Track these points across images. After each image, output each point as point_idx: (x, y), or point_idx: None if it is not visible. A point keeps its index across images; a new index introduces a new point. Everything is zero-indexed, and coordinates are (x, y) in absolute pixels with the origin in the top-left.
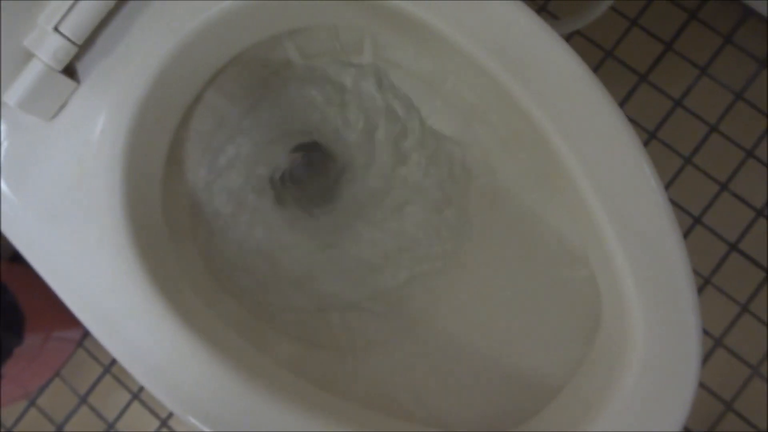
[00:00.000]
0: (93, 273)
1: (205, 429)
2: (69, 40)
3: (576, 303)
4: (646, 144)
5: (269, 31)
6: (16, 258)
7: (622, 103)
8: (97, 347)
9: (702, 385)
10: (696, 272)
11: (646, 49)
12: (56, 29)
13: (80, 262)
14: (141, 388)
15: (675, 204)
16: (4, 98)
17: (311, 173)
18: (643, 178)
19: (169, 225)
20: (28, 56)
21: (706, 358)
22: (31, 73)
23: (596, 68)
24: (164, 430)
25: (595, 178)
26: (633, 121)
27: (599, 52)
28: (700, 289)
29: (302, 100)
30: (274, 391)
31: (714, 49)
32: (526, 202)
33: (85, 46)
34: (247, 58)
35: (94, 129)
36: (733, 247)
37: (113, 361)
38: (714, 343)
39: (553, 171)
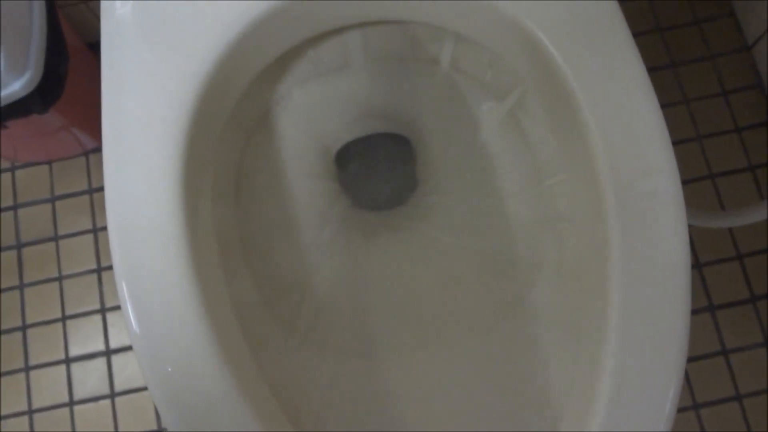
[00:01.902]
0: (144, 101)
1: (125, 294)
2: None
3: None
4: None
5: (443, 20)
6: (93, 46)
7: None
8: (97, 168)
9: None
10: None
11: (733, 284)
12: None
13: (142, 87)
14: (103, 228)
15: None
16: None
17: (373, 161)
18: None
19: (236, 115)
20: None
21: None
22: None
23: None
24: (95, 275)
25: (623, 357)
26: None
27: (692, 257)
28: None
29: (423, 96)
30: (212, 318)
31: None
32: (538, 333)
33: None
34: (408, 30)
35: None
36: None
37: (99, 188)
38: None
39: (586, 325)
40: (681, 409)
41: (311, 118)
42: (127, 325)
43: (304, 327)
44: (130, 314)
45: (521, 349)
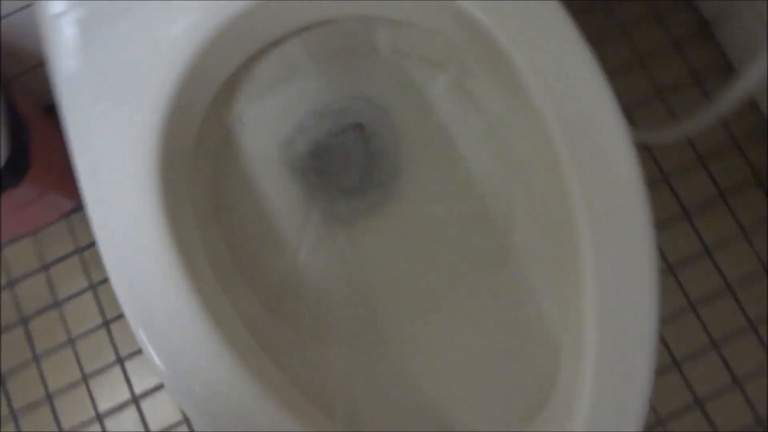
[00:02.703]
0: (110, 146)
1: (144, 339)
2: None
3: (528, 384)
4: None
5: (373, 10)
6: (48, 110)
7: (656, 228)
8: (79, 227)
9: None
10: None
11: (701, 190)
12: None
13: (103, 132)
14: (100, 282)
15: (662, 340)
16: None
17: (342, 154)
18: (645, 319)
19: (199, 141)
20: None
21: None
22: None
23: (649, 185)
24: (104, 329)
25: (603, 286)
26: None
27: (657, 172)
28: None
29: (371, 85)
30: (225, 332)
31: (763, 216)
32: (525, 276)
33: None
34: (342, 26)
35: (177, 24)
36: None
37: (87, 246)
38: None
39: (564, 260)
40: (663, 371)
41: (271, 129)
42: (152, 365)
43: (309, 324)
44: (153, 355)
45: (514, 292)
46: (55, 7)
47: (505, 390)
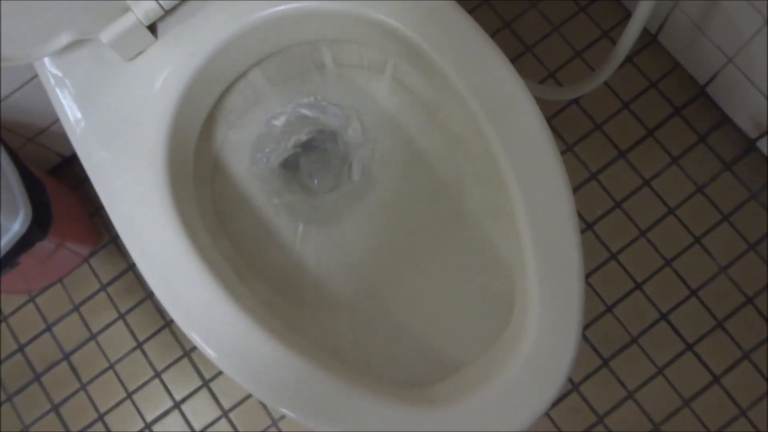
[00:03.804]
0: (131, 191)
1: (197, 339)
2: (160, 5)
3: (495, 307)
4: (610, 211)
5: (314, 35)
6: (52, 172)
7: (598, 172)
8: (99, 268)
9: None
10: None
11: (631, 131)
12: None
13: (123, 180)
14: (128, 310)
15: (622, 267)
16: (100, 35)
17: (316, 159)
18: (569, 233)
19: (195, 170)
20: (126, 9)
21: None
22: (126, 22)
23: (585, 136)
24: (138, 351)
25: (533, 218)
26: (604, 189)
27: (590, 124)
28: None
29: (325, 94)
30: (252, 315)
31: (688, 144)
32: (479, 225)
33: (169, 12)
34: (292, 52)
35: (159, 78)
36: (664, 316)
37: (110, 281)
38: (601, 363)
39: (504, 205)
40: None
41: (250, 148)
42: (209, 358)
43: (312, 299)
44: (208, 350)
45: (472, 239)
46: (55, 72)
47: (477, 317)
